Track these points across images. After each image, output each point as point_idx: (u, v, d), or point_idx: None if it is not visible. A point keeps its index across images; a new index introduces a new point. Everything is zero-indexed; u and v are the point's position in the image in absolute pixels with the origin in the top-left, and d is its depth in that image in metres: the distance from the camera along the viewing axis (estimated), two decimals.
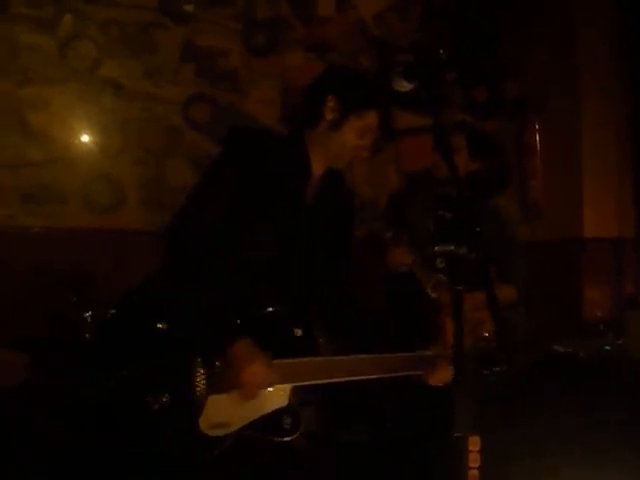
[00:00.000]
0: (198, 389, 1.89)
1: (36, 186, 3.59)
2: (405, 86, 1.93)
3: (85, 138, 3.74)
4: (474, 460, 1.97)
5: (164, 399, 1.86)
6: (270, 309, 2.01)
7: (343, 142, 2.05)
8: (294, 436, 1.97)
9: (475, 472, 2.00)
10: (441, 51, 2.08)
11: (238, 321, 1.94)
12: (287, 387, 1.98)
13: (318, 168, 2.11)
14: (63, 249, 3.41)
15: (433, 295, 2.51)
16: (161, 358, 1.89)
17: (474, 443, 1.94)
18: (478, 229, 1.80)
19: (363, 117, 2.04)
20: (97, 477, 2.22)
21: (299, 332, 2.02)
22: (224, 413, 1.92)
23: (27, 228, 3.53)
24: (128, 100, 3.78)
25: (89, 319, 3.02)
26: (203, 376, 1.90)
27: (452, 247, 1.78)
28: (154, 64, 3.84)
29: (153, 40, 3.86)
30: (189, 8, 3.94)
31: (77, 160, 3.68)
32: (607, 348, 3.82)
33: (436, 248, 1.82)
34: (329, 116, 2.04)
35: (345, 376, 2.03)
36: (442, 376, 2.11)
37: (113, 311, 1.98)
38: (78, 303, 3.17)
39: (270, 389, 1.95)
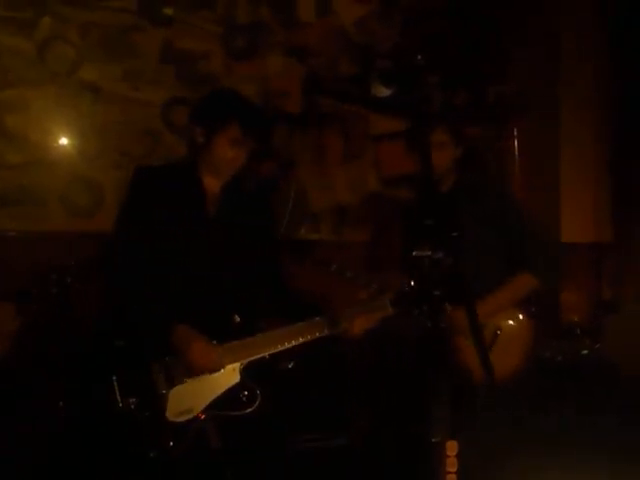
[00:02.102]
0: (159, 388, 2.28)
1: (14, 189, 3.55)
2: (383, 91, 2.01)
3: (64, 141, 3.71)
4: (452, 464, 2.01)
5: (132, 402, 2.26)
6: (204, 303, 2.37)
7: (218, 157, 2.42)
8: (253, 408, 2.33)
9: (453, 477, 2.02)
10: (419, 56, 2.13)
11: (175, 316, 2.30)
12: (236, 366, 2.36)
13: (213, 185, 2.48)
14: (41, 252, 3.38)
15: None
16: (125, 369, 2.27)
17: (451, 448, 1.98)
18: (455, 234, 1.85)
19: (224, 133, 2.39)
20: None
21: (237, 319, 2.39)
22: (186, 400, 2.29)
23: (4, 231, 3.49)
24: (107, 103, 3.75)
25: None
26: (160, 375, 2.29)
27: (429, 252, 1.86)
28: (133, 67, 3.82)
29: (132, 43, 3.83)
30: (169, 11, 3.93)
31: (55, 163, 3.65)
32: (585, 352, 3.86)
33: (414, 253, 1.89)
34: (199, 140, 2.44)
35: (276, 348, 2.41)
36: (359, 326, 2.45)
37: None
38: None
39: (221, 370, 2.34)
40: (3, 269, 3.31)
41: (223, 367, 2.34)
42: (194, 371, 2.30)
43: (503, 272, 2.83)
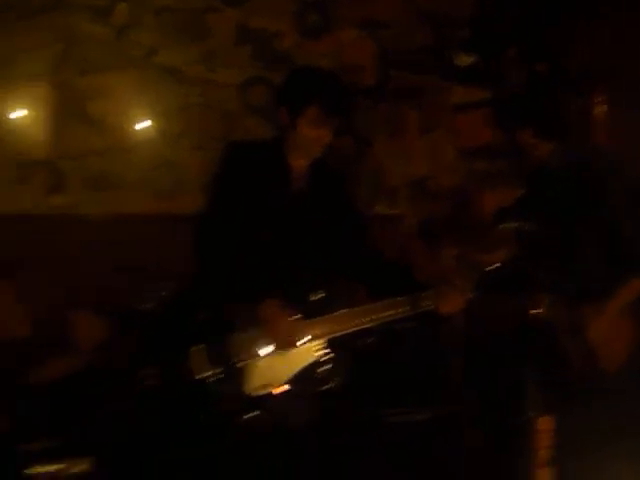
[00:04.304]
0: (238, 361, 2.29)
1: (98, 174, 3.67)
2: (465, 60, 1.97)
3: (145, 125, 3.78)
4: (545, 440, 1.97)
5: (211, 374, 2.26)
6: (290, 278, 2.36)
7: (303, 137, 2.42)
8: (330, 385, 2.33)
9: (546, 452, 1.99)
10: (500, 24, 2.07)
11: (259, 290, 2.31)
12: (318, 341, 2.36)
13: (300, 163, 2.49)
14: (125, 235, 3.47)
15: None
16: (205, 341, 2.28)
17: (545, 423, 1.94)
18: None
19: (307, 113, 2.38)
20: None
21: (319, 295, 2.39)
22: (267, 374, 2.31)
23: (90, 215, 3.59)
24: (185, 86, 3.82)
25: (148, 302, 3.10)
26: (240, 348, 2.29)
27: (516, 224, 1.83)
28: (209, 48, 3.87)
29: (207, 25, 3.87)
30: None
31: (137, 147, 3.74)
32: None
33: (501, 226, 1.86)
34: (284, 121, 2.44)
35: (364, 324, 2.39)
36: (452, 304, 2.40)
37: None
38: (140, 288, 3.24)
39: (302, 343, 2.33)
40: (89, 252, 3.44)
41: (305, 343, 2.35)
42: (278, 346, 2.33)
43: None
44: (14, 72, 3.59)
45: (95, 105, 3.69)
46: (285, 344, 2.33)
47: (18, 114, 3.59)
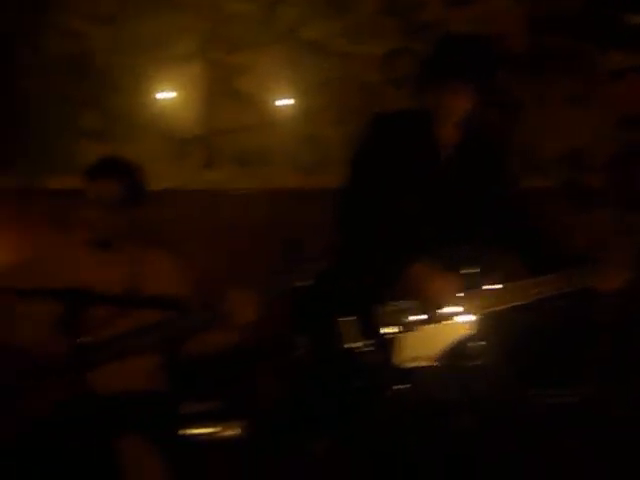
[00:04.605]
0: (387, 332, 2.29)
1: (247, 149, 3.76)
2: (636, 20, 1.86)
3: (289, 100, 3.85)
4: None
5: (359, 345, 2.29)
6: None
7: (446, 107, 2.39)
8: (478, 361, 2.29)
9: None
10: None
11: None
12: (470, 318, 2.32)
13: (448, 134, 2.45)
14: (275, 210, 3.57)
15: None
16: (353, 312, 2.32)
17: None
18: None
19: (450, 83, 2.35)
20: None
21: (472, 269, 2.34)
22: (416, 347, 2.30)
23: (243, 190, 3.71)
24: (329, 60, 3.82)
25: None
26: (389, 319, 2.29)
27: None
28: (353, 21, 3.84)
29: None
30: None
31: (282, 122, 3.80)
32: None
33: None
34: (428, 91, 2.41)
35: (517, 300, 2.33)
36: (613, 281, 2.31)
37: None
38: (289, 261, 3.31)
39: (453, 311, 2.30)
40: (243, 226, 3.56)
41: (456, 312, 2.32)
42: (429, 305, 2.30)
43: None
44: (166, 53, 3.74)
45: (243, 82, 3.78)
46: (436, 302, 2.30)
47: (173, 93, 3.74)
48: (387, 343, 2.32)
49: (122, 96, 3.71)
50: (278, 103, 3.83)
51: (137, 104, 3.72)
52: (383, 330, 2.32)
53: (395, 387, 2.29)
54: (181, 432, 2.71)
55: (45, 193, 3.63)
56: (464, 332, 2.32)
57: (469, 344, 2.31)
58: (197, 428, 2.86)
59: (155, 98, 3.74)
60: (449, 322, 2.32)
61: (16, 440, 2.07)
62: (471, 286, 2.34)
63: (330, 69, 3.85)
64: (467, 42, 2.42)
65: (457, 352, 2.32)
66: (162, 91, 3.74)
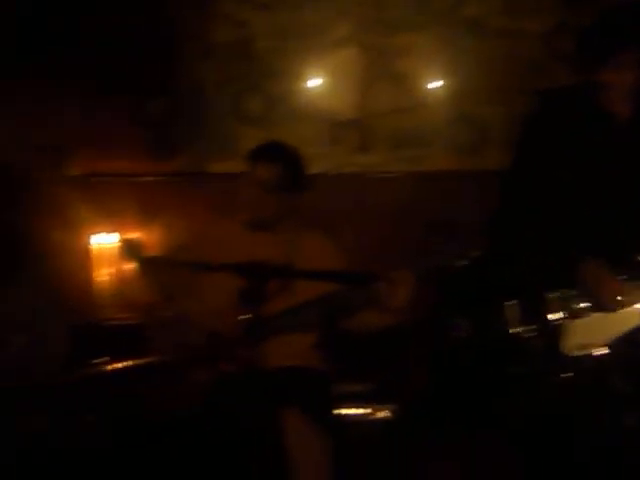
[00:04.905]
0: (554, 318, 2.20)
1: (403, 131, 3.75)
2: None
3: (447, 80, 3.78)
4: None
5: (525, 329, 2.21)
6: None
7: (614, 83, 2.23)
8: None
9: None
10: None
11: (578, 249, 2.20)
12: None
13: (618, 110, 2.29)
14: (430, 192, 3.54)
15: None
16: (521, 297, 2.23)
17: None
18: None
19: (619, 57, 2.19)
20: None
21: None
22: (586, 335, 2.20)
23: (396, 173, 3.72)
24: (489, 38, 3.73)
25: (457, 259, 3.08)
26: (558, 305, 2.20)
27: None
28: None
29: None
30: None
31: (440, 103, 3.75)
32: None
33: None
34: (592, 67, 2.26)
35: None
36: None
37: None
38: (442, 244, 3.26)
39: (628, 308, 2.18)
40: (396, 209, 3.55)
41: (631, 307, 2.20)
42: (601, 306, 2.20)
43: None
44: (323, 38, 3.81)
45: (399, 64, 3.77)
46: (610, 305, 2.19)
47: (329, 77, 3.80)
48: (554, 329, 2.24)
49: (281, 81, 3.82)
50: (434, 84, 3.77)
51: (295, 89, 3.82)
52: (551, 316, 2.23)
53: (561, 375, 2.21)
54: (335, 411, 2.76)
55: (210, 177, 3.81)
56: (635, 322, 2.20)
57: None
58: (349, 408, 2.90)
59: (312, 82, 3.81)
60: (622, 310, 2.20)
61: (188, 409, 2.18)
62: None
63: (490, 47, 3.76)
64: (631, 13, 2.26)
65: (629, 341, 2.20)
66: (318, 75, 3.81)
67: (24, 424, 1.85)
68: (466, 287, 2.41)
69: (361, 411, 2.93)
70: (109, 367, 1.41)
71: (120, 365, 1.40)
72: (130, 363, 1.46)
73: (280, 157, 2.60)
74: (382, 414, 2.93)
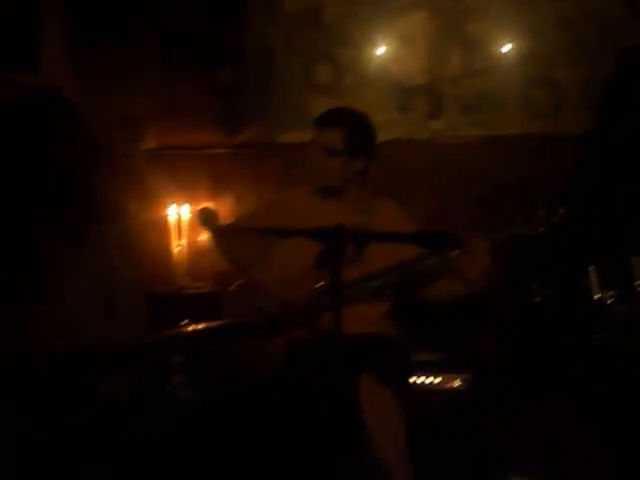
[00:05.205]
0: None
1: (475, 96, 3.67)
2: None
3: (521, 43, 3.66)
4: None
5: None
6: None
7: None
8: None
9: None
10: None
11: None
12: None
13: None
14: (503, 157, 3.46)
15: None
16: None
17: None
18: None
19: None
20: None
21: None
22: None
23: (467, 138, 3.64)
24: None
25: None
26: None
27: None
28: None
29: None
30: None
31: (513, 66, 3.64)
32: None
33: None
34: None
35: None
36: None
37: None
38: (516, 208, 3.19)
39: None
40: (468, 174, 3.49)
41: None
42: None
43: None
44: (393, 4, 3.75)
45: (471, 27, 3.67)
46: None
47: (400, 42, 3.73)
48: (638, 295, 2.17)
49: (350, 48, 3.78)
50: (507, 47, 3.66)
51: (365, 55, 3.77)
52: (634, 281, 2.16)
53: None
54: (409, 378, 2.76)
55: (280, 147, 3.83)
56: None
57: None
58: (421, 376, 2.89)
59: (382, 49, 3.75)
60: None
61: (264, 376, 2.21)
62: None
63: (565, 6, 3.61)
64: None
65: None
66: (388, 41, 3.75)
67: (106, 389, 1.91)
68: (544, 253, 2.35)
69: (433, 380, 2.91)
70: (189, 328, 1.44)
71: (200, 326, 1.43)
72: (210, 324, 1.49)
73: (345, 121, 2.56)
74: (454, 383, 2.91)
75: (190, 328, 1.45)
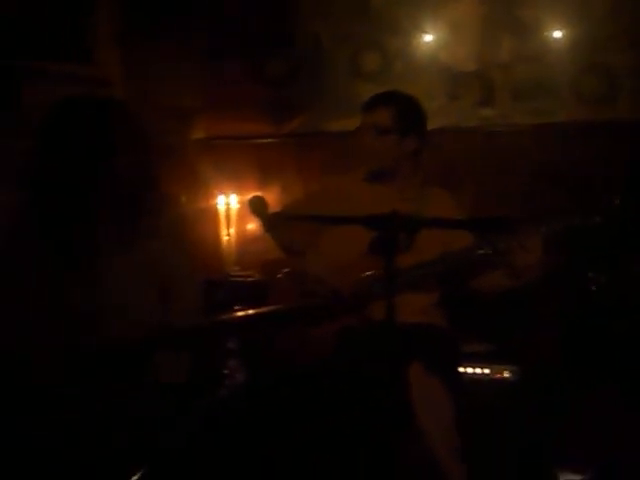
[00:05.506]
0: None
1: (527, 83, 3.59)
2: None
3: (573, 28, 3.57)
4: None
5: None
6: None
7: None
8: None
9: None
10: None
11: None
12: None
13: None
14: (555, 145, 3.39)
15: None
16: None
17: None
18: None
19: None
20: None
21: None
22: None
23: (519, 125, 3.57)
24: None
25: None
26: None
27: None
28: None
29: None
30: None
31: (566, 52, 3.55)
32: None
33: None
34: None
35: None
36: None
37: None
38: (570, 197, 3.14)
39: None
40: (519, 163, 3.43)
41: None
42: None
43: None
44: None
45: (523, 12, 3.59)
46: None
47: (449, 29, 3.68)
48: None
49: (399, 36, 3.74)
50: (559, 32, 3.58)
51: (413, 42, 3.73)
52: None
53: None
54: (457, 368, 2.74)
55: (328, 136, 3.81)
56: None
57: None
58: (470, 367, 2.86)
59: (430, 35, 3.71)
60: None
61: (315, 362, 2.22)
62: None
63: None
64: None
65: None
66: (437, 28, 3.71)
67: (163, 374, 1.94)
68: (600, 242, 2.31)
69: (481, 371, 2.88)
70: (241, 313, 1.45)
71: (251, 311, 1.44)
72: (261, 309, 1.51)
73: (393, 100, 2.56)
74: (503, 374, 2.87)
75: (241, 313, 1.47)
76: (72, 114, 2.01)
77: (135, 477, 1.73)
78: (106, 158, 1.98)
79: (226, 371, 2.38)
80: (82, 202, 1.99)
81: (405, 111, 2.55)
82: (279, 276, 2.54)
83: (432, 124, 2.69)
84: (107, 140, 1.99)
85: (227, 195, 3.84)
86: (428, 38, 3.72)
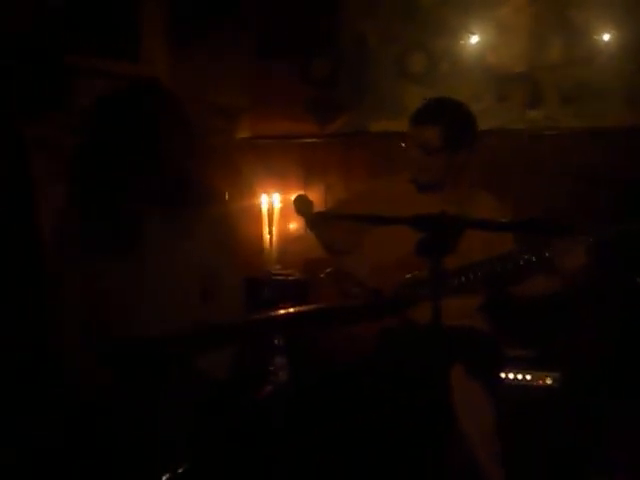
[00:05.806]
0: None
1: (576, 86, 3.55)
2: None
3: (624, 31, 3.51)
4: None
5: None
6: None
7: None
8: None
9: None
10: None
11: None
12: None
13: None
14: (606, 150, 3.34)
15: None
16: None
17: None
18: None
19: None
20: None
21: None
22: None
23: (567, 129, 3.52)
24: None
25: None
26: None
27: None
28: None
29: None
30: None
31: (616, 55, 3.50)
32: None
33: None
34: None
35: None
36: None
37: None
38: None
39: None
40: (567, 167, 3.39)
41: None
42: None
43: None
44: None
45: (573, 14, 3.54)
46: None
47: (497, 30, 3.65)
48: None
49: (445, 37, 3.72)
50: (610, 35, 3.52)
51: (460, 43, 3.71)
52: None
53: None
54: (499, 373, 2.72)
55: (373, 136, 3.81)
56: None
57: None
58: (512, 372, 2.84)
59: (477, 36, 3.68)
60: None
61: (355, 362, 2.23)
62: None
63: None
64: None
65: None
66: (485, 29, 3.67)
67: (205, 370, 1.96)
68: None
69: (522, 376, 2.86)
70: (283, 311, 1.46)
71: (292, 309, 1.45)
72: (304, 307, 1.52)
73: (441, 118, 2.49)
74: (545, 381, 2.84)
75: (284, 311, 1.48)
76: (118, 100, 2.04)
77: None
78: (152, 144, 2.00)
79: (271, 368, 2.40)
80: (128, 192, 2.02)
81: (453, 127, 2.49)
82: (322, 275, 2.54)
83: (480, 126, 2.66)
84: (152, 125, 2.01)
85: (270, 194, 3.86)
86: (475, 39, 3.69)
